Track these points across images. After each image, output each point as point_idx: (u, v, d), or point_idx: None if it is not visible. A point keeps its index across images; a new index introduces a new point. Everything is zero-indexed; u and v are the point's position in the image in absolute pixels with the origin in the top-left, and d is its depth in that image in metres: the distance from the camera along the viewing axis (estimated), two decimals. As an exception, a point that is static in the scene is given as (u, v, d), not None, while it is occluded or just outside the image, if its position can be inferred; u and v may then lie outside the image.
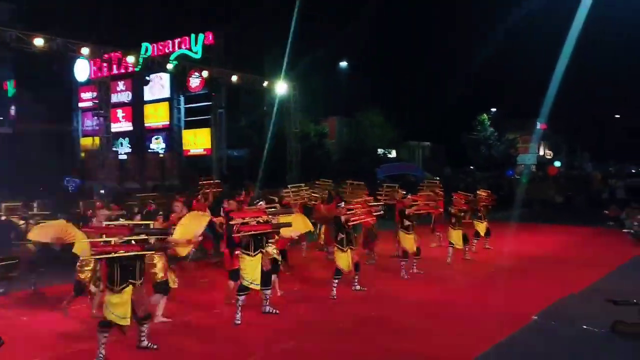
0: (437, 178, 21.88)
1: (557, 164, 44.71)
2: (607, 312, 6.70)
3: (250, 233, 6.92)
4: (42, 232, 7.47)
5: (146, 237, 6.08)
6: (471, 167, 43.25)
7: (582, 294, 8.42)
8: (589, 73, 36.59)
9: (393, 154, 41.69)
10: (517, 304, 7.81)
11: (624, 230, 15.58)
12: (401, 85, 40.08)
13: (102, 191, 16.80)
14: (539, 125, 48.49)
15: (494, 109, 46.96)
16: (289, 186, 12.74)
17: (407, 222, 9.77)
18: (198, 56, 30.31)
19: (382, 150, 39.24)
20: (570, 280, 9.32)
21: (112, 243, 5.74)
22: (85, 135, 36.64)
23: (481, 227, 12.31)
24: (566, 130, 53.25)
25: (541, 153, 53.20)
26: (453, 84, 37.84)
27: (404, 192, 11.17)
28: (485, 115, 44.83)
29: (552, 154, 54.12)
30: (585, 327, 6.67)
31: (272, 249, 7.65)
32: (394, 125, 38.03)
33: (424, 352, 6.03)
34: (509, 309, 7.50)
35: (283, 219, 7.68)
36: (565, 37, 20.99)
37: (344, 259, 8.22)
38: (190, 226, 7.15)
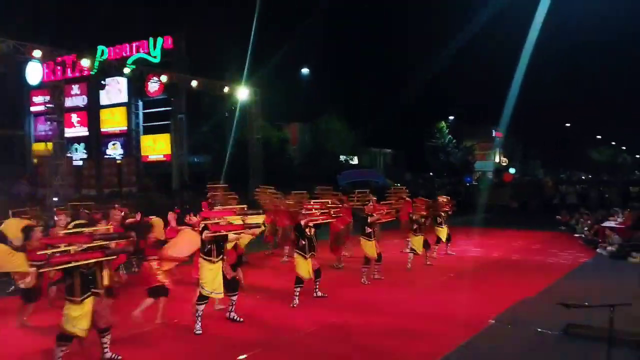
0: (398, 184, 22.13)
1: (512, 170, 46.26)
2: (560, 315, 6.92)
3: (218, 234, 6.79)
4: None
5: (105, 242, 5.84)
6: (430, 174, 44.16)
7: (536, 297, 8.68)
8: (544, 82, 38.12)
9: (355, 160, 42.08)
10: (476, 308, 7.97)
11: (575, 235, 16.26)
12: (361, 91, 40.58)
13: (55, 198, 16.18)
14: (494, 133, 50.08)
15: (451, 117, 48.16)
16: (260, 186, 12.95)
17: (368, 229, 9.85)
18: (157, 60, 29.70)
19: (344, 156, 39.54)
20: (526, 284, 9.60)
21: (71, 252, 5.51)
22: (37, 141, 35.24)
23: (442, 232, 12.54)
24: (520, 139, 55.22)
25: (497, 160, 54.85)
26: (412, 91, 38.58)
27: (374, 198, 11.36)
28: (443, 122, 45.92)
29: (507, 161, 55.90)
30: (539, 329, 6.87)
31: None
32: (355, 131, 38.42)
33: (384, 358, 6.06)
34: (468, 313, 7.65)
35: (252, 219, 7.58)
36: (522, 46, 21.79)
37: (304, 267, 8.17)
38: (182, 245, 7.07)
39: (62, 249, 5.56)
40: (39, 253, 5.92)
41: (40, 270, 6.60)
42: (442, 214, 12.54)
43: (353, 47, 44.03)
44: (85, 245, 5.60)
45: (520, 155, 58.85)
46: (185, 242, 7.33)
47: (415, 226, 11.15)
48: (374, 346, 6.40)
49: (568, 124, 59.26)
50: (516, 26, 23.84)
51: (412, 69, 39.63)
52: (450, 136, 45.77)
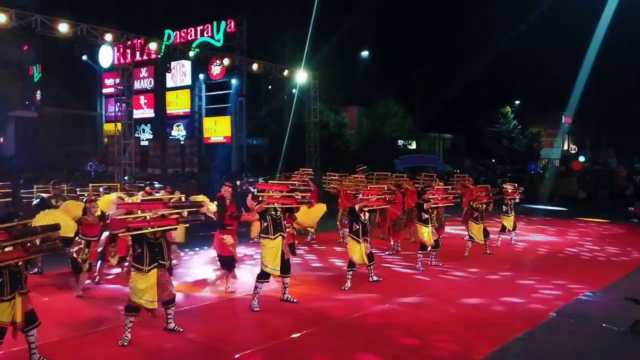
0: (457, 170, 21.53)
1: (582, 158, 43.86)
2: (628, 311, 6.56)
3: (274, 205, 6.93)
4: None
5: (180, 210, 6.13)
6: (492, 161, 42.70)
7: (602, 292, 8.27)
8: (616, 66, 35.59)
9: (413, 145, 41.39)
10: (536, 299, 7.71)
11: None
12: (421, 75, 39.52)
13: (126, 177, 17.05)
14: (563, 119, 47.56)
15: (517, 102, 46.15)
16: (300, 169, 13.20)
17: (425, 215, 9.70)
18: (220, 44, 30.40)
19: (402, 141, 38.98)
20: (591, 278, 9.17)
21: (148, 218, 5.77)
22: (108, 121, 37.08)
23: (508, 221, 12.18)
24: (591, 125, 52.11)
25: (565, 147, 52.21)
26: (474, 74, 37.18)
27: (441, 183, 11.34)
28: (508, 107, 44.10)
29: (576, 149, 53.05)
30: (603, 325, 6.55)
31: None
32: (413, 116, 37.70)
33: (437, 345, 5.99)
34: (527, 305, 7.41)
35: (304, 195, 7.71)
36: (593, 28, 20.45)
37: (357, 251, 8.18)
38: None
39: (140, 215, 5.83)
40: (119, 218, 6.17)
41: (120, 234, 6.88)
42: (509, 202, 12.16)
43: (412, 29, 42.93)
44: (160, 212, 5.85)
45: (591, 142, 55.65)
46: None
47: (475, 214, 10.87)
48: (424, 334, 6.33)
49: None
50: (588, 3, 22.29)
51: (474, 52, 38.19)
52: (515, 122, 43.94)
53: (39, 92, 36.98)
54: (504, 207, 12.19)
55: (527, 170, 34.76)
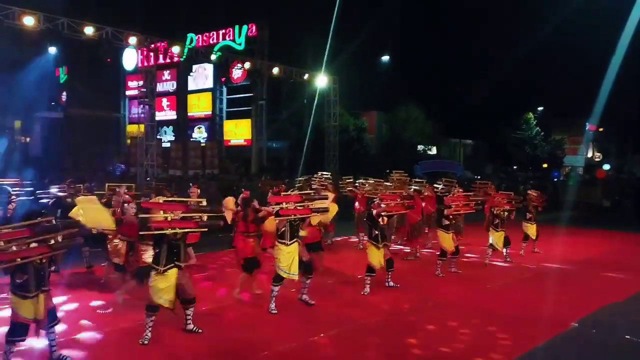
0: (478, 177, 21.27)
1: (606, 166, 42.96)
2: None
3: (289, 217, 6.95)
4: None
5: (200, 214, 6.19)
6: (514, 167, 42.12)
7: (626, 303, 8.08)
8: (643, 72, 34.77)
9: (433, 150, 41.09)
10: (557, 309, 7.57)
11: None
12: (441, 79, 39.25)
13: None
14: (588, 127, 46.68)
15: (540, 108, 45.47)
16: (319, 172, 13.23)
17: (445, 221, 9.62)
18: (241, 47, 30.70)
19: (422, 146, 38.73)
20: (614, 288, 8.97)
21: (169, 220, 5.85)
22: (131, 123, 37.75)
23: (531, 229, 11.95)
24: (616, 132, 51.03)
25: (589, 155, 51.23)
26: (496, 79, 36.72)
27: (460, 189, 11.23)
28: (531, 114, 43.49)
29: (601, 157, 52.00)
30: (627, 337, 6.39)
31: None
32: (433, 121, 37.43)
33: (455, 353, 5.93)
34: (548, 314, 7.27)
35: (319, 204, 7.67)
36: (619, 32, 20.06)
37: (376, 256, 8.15)
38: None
39: (161, 215, 5.91)
40: (141, 216, 6.25)
41: (142, 233, 6.86)
42: (532, 209, 11.96)
43: (434, 33, 42.63)
44: (181, 215, 5.92)
45: (616, 150, 54.48)
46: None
47: (496, 220, 10.73)
48: (442, 342, 6.26)
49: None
50: (613, 9, 21.85)
51: (496, 57, 37.68)
52: (537, 128, 43.30)
53: (64, 93, 37.81)
54: (527, 214, 11.96)
55: (550, 177, 34.23)
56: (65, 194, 9.70)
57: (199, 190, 9.86)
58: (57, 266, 6.39)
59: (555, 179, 32.69)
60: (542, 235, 12.77)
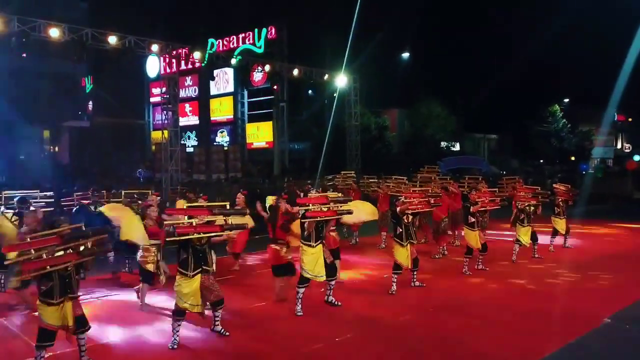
0: (504, 172, 20.92)
1: (637, 158, 41.76)
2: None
3: (316, 219, 6.95)
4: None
5: (224, 217, 6.20)
6: (540, 161, 41.31)
7: (661, 297, 7.84)
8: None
9: (457, 146, 40.59)
10: (589, 305, 7.40)
11: None
12: (463, 74, 38.64)
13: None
14: (616, 117, 45.50)
15: (566, 100, 44.47)
16: (342, 172, 13.23)
17: (471, 219, 9.49)
18: (261, 50, 30.89)
19: (445, 142, 38.29)
20: (649, 283, 8.71)
21: (194, 224, 5.90)
22: (155, 129, 38.38)
23: (560, 224, 11.66)
24: (647, 122, 49.51)
25: (619, 146, 49.92)
26: (520, 72, 35.97)
27: (486, 186, 11.11)
28: (557, 106, 42.56)
29: (630, 148, 50.61)
30: (664, 333, 6.21)
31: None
32: (456, 116, 36.93)
33: (487, 352, 5.84)
34: (579, 310, 7.12)
35: (344, 207, 7.60)
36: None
37: (402, 254, 8.09)
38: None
39: (185, 221, 5.97)
40: (166, 222, 6.30)
41: (168, 239, 6.87)
42: (561, 203, 11.67)
43: (455, 27, 42.03)
44: (205, 219, 5.98)
45: (647, 141, 52.96)
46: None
47: (522, 216, 10.53)
48: (471, 341, 6.18)
49: None
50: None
51: (519, 48, 36.93)
52: (564, 120, 42.36)
53: (90, 102, 38.66)
54: (555, 209, 11.66)
55: (578, 170, 33.49)
56: (89, 201, 9.85)
57: (243, 197, 9.66)
58: (85, 273, 6.45)
59: (584, 172, 31.94)
60: (572, 229, 12.48)
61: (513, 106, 40.83)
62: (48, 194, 10.12)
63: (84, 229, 5.50)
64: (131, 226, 7.37)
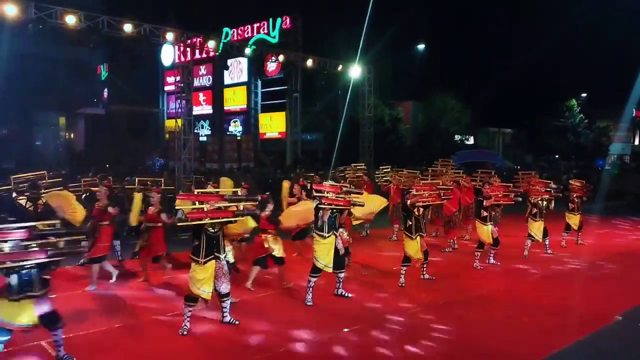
0: (518, 167, 20.68)
1: (655, 154, 41.09)
2: None
3: (331, 206, 6.95)
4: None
5: (237, 204, 6.25)
6: (556, 156, 40.79)
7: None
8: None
9: (471, 140, 40.21)
10: (600, 302, 7.32)
11: None
12: (478, 66, 38.14)
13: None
14: (634, 112, 44.67)
15: (584, 94, 43.75)
16: (352, 164, 13.20)
17: (484, 213, 9.42)
18: (275, 40, 30.82)
19: (460, 136, 37.94)
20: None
21: (205, 210, 5.92)
22: (169, 117, 38.64)
23: (574, 219, 11.56)
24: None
25: (636, 142, 49.07)
26: (539, 66, 35.43)
27: (498, 180, 11.00)
28: (574, 100, 41.90)
29: (648, 143, 49.75)
30: (677, 332, 6.12)
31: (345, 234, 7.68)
32: (471, 110, 36.54)
33: (495, 347, 5.82)
34: (590, 308, 7.05)
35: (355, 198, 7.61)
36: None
37: (412, 247, 8.06)
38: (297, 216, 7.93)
39: (197, 206, 6.00)
40: (178, 208, 6.45)
41: (179, 225, 6.99)
42: (576, 199, 11.54)
43: (471, 19, 41.44)
44: (217, 205, 6.00)
45: (666, 137, 51.98)
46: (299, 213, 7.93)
47: (534, 210, 10.42)
48: (480, 335, 6.15)
49: None
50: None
51: (536, 41, 36.30)
52: (581, 115, 41.71)
53: (106, 90, 38.98)
54: (570, 204, 11.56)
55: (594, 166, 33.02)
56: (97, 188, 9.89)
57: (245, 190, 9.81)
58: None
59: (600, 168, 31.49)
60: (585, 226, 12.34)
61: (529, 100, 40.28)
62: (56, 178, 10.20)
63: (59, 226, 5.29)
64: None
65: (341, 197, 7.14)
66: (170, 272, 8.52)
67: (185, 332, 5.94)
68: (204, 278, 5.94)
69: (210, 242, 5.99)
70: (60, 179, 10.49)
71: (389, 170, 13.53)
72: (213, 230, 6.01)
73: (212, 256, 6.00)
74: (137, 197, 8.45)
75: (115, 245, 9.26)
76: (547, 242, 10.75)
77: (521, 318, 6.77)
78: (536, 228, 10.40)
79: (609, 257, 10.72)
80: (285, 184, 10.43)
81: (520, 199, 10.14)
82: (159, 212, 8.07)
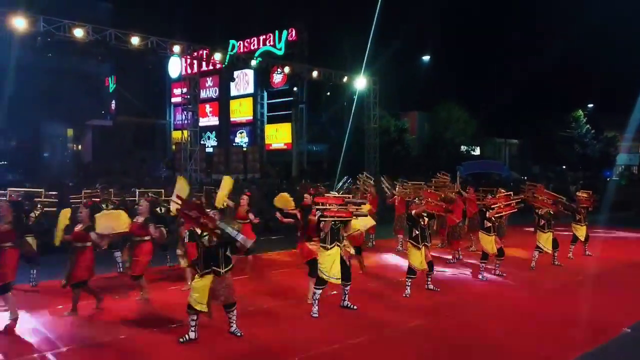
0: (524, 177, 20.59)
1: (663, 165, 40.79)
2: None
3: (333, 218, 6.95)
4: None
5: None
6: (563, 167, 40.60)
7: (685, 308, 7.61)
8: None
9: (477, 151, 40.15)
10: (608, 314, 7.23)
11: None
12: (484, 77, 38.23)
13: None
14: (642, 123, 44.41)
15: (590, 105, 43.61)
16: (364, 173, 13.13)
17: (487, 223, 9.37)
18: (281, 52, 31.04)
19: (466, 147, 37.91)
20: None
21: (336, 209, 6.59)
22: (176, 129, 38.86)
23: (580, 231, 11.45)
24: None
25: (644, 153, 48.73)
26: (545, 77, 35.38)
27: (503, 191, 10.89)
28: (580, 111, 41.77)
29: (657, 154, 49.39)
30: (687, 344, 6.03)
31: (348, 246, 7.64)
32: (477, 120, 36.54)
33: (502, 358, 5.75)
34: (598, 319, 6.95)
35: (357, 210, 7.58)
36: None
37: (417, 257, 8.02)
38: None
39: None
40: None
41: (184, 233, 6.97)
42: (582, 210, 11.46)
43: (476, 29, 41.57)
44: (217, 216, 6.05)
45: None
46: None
47: (542, 222, 10.35)
48: (486, 347, 6.08)
49: None
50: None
51: (542, 52, 36.38)
52: (588, 126, 41.55)
53: (113, 102, 39.34)
54: (577, 216, 11.46)
55: (601, 177, 32.83)
56: (99, 199, 9.84)
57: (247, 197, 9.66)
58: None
59: (607, 179, 31.29)
60: (593, 237, 12.23)
61: (535, 111, 40.23)
62: (52, 198, 9.92)
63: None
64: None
65: (343, 209, 7.12)
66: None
67: (186, 340, 5.93)
68: (198, 287, 5.99)
69: (207, 256, 6.03)
70: (56, 200, 9.93)
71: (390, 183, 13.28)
72: (210, 245, 6.00)
73: (210, 270, 6.02)
74: (63, 213, 7.36)
75: (117, 256, 9.26)
76: (555, 254, 10.65)
77: (528, 329, 6.69)
78: (544, 240, 10.31)
79: (616, 268, 10.61)
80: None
81: (522, 205, 10.06)
82: (146, 222, 7.57)
